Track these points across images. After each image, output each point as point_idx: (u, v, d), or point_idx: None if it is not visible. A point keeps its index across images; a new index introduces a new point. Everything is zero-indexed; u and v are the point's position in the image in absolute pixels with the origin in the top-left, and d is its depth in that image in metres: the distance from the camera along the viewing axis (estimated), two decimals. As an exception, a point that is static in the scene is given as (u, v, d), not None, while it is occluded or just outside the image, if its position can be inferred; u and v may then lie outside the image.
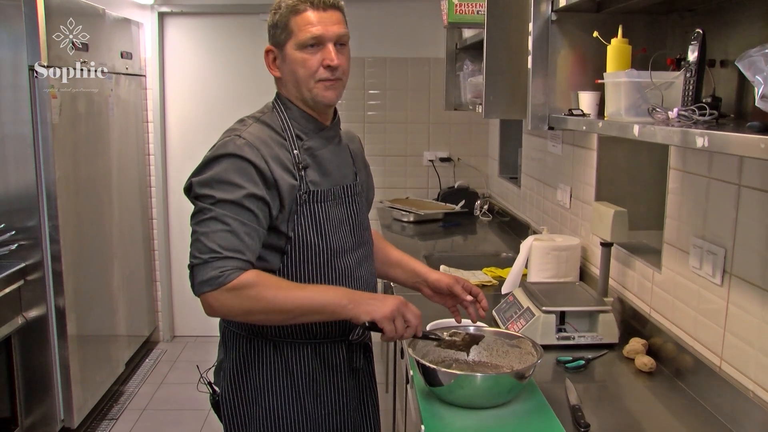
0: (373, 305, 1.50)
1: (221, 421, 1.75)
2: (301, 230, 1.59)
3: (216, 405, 1.75)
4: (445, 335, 1.73)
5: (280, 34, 1.58)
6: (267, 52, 1.63)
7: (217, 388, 1.74)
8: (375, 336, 1.69)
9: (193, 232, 1.51)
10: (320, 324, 1.65)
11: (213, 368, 1.79)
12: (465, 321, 1.86)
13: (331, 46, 1.56)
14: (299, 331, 1.65)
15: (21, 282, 3.02)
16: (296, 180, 1.58)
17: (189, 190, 1.56)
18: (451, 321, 1.89)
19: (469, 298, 1.78)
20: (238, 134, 1.55)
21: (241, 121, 1.64)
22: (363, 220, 1.76)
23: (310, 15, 1.55)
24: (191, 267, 1.48)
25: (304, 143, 1.63)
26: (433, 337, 1.68)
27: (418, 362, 1.63)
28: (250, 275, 1.47)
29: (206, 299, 1.46)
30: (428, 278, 1.86)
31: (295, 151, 1.60)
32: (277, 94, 1.69)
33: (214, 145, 1.58)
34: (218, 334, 1.80)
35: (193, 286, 1.47)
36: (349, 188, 1.71)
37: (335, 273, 1.65)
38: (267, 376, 1.65)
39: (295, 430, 1.66)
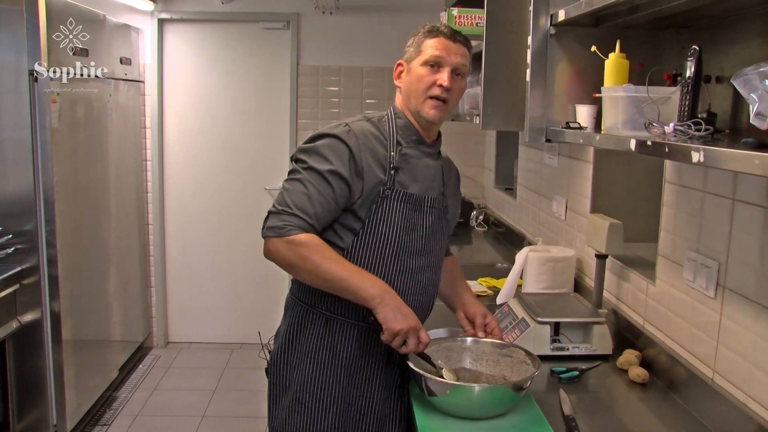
0: (392, 315, 1.61)
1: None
2: (376, 220, 1.75)
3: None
4: (439, 362, 1.73)
5: (412, 51, 1.80)
6: (397, 65, 1.85)
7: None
8: None
9: (282, 187, 1.73)
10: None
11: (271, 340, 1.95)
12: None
13: (448, 70, 1.76)
14: (350, 312, 1.77)
15: (17, 286, 3.02)
16: (385, 176, 1.75)
17: (293, 156, 1.80)
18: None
19: (481, 335, 1.87)
20: (346, 123, 1.78)
21: (354, 116, 1.85)
22: (436, 233, 1.86)
23: (441, 41, 1.77)
24: (268, 213, 1.70)
25: (402, 149, 1.80)
26: (431, 363, 1.70)
27: (413, 371, 1.64)
28: (308, 237, 1.66)
29: (266, 243, 1.68)
30: (464, 301, 1.96)
31: (392, 153, 1.78)
32: (393, 105, 1.88)
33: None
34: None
35: (262, 228, 1.69)
36: (431, 200, 1.84)
37: (397, 269, 1.78)
38: (313, 346, 1.80)
39: (327, 400, 1.79)
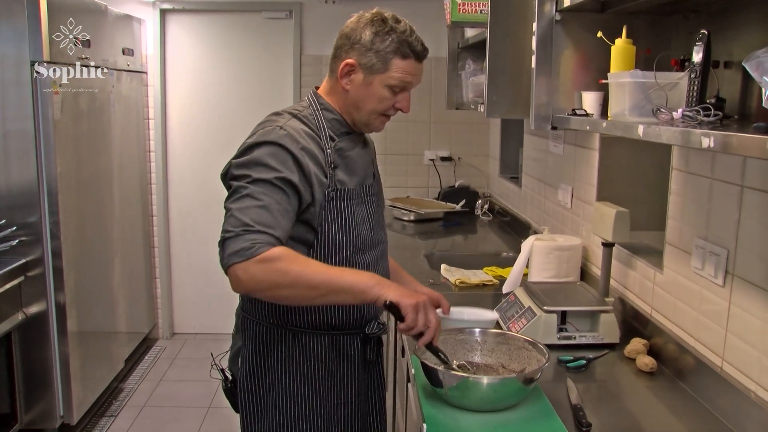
0: (401, 291, 1.49)
1: (234, 407, 1.80)
2: (328, 226, 1.65)
3: (228, 391, 1.80)
4: (454, 363, 1.69)
5: (375, 62, 1.64)
6: (348, 64, 1.66)
7: (229, 375, 1.80)
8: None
9: (227, 210, 1.53)
10: (339, 315, 1.70)
11: (225, 355, 1.85)
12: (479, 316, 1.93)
13: (408, 93, 1.69)
14: (318, 322, 1.70)
15: (21, 278, 3.03)
16: (326, 178, 1.64)
17: (226, 174, 1.61)
18: (466, 309, 2.01)
19: None
20: (279, 125, 1.61)
21: (278, 113, 1.69)
22: (379, 219, 1.82)
23: (412, 65, 1.65)
24: (222, 241, 1.48)
25: (336, 144, 1.69)
26: (442, 357, 1.63)
27: (423, 362, 1.62)
28: (280, 250, 1.47)
29: (235, 271, 1.44)
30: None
31: (328, 151, 1.66)
32: (316, 95, 1.74)
33: (252, 134, 1.63)
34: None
35: (222, 259, 1.47)
36: (369, 188, 1.78)
37: (356, 269, 1.69)
38: (285, 364, 1.71)
39: (308, 416, 1.72)
